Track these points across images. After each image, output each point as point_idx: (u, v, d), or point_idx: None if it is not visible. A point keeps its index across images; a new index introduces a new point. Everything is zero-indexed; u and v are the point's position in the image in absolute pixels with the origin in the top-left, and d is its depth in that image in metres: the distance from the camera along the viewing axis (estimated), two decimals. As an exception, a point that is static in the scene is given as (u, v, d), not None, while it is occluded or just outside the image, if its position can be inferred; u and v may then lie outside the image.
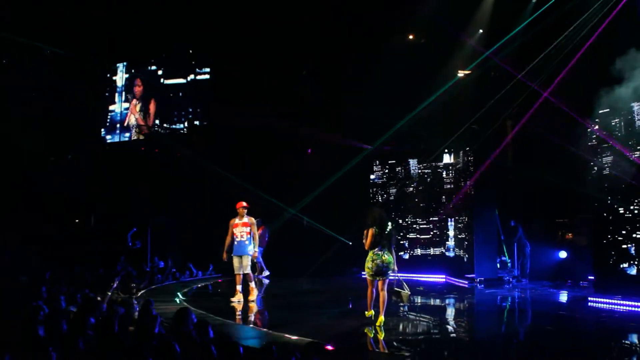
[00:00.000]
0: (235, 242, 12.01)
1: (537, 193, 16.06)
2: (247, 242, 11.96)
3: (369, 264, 9.29)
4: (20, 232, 16.26)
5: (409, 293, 9.90)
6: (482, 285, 15.12)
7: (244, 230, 12.01)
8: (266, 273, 16.21)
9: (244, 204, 12.17)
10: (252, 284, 12.39)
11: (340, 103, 17.13)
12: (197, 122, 19.58)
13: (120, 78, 20.74)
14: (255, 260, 16.91)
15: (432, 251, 18.00)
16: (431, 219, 18.05)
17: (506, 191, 16.82)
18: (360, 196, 18.53)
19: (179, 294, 13.82)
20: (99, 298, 9.55)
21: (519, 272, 15.92)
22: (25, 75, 17.85)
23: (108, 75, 20.84)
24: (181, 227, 18.51)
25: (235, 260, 12.02)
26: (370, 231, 9.24)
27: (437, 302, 13.75)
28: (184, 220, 18.38)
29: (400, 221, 18.36)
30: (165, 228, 18.01)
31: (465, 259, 16.57)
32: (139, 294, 13.38)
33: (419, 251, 18.14)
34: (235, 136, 18.56)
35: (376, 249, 9.23)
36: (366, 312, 9.57)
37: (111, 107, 20.80)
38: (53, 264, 14.30)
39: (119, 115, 20.67)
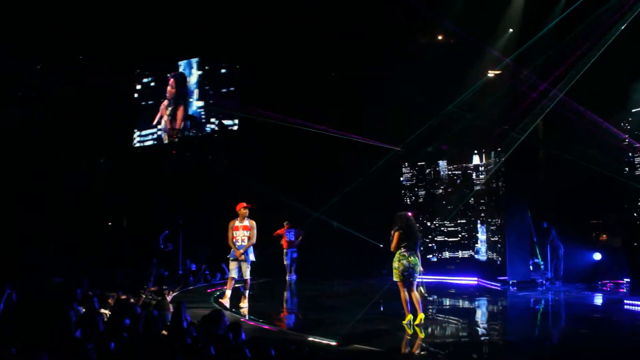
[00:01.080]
0: (236, 245, 11.63)
1: (570, 193, 15.82)
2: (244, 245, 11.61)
3: (395, 264, 9.52)
4: (53, 235, 16.44)
5: (425, 295, 10.01)
6: (515, 288, 14.92)
7: (245, 235, 11.56)
8: (293, 277, 16.42)
9: (245, 204, 11.71)
10: (247, 293, 11.94)
11: (368, 104, 17.48)
12: (227, 122, 19.72)
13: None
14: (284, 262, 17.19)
15: (460, 254, 17.94)
16: (459, 221, 17.98)
17: (538, 192, 16.52)
18: (390, 198, 18.50)
19: (211, 296, 13.92)
20: (132, 300, 9.65)
21: (553, 275, 15.68)
22: (59, 79, 18.11)
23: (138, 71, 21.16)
24: (213, 229, 17.94)
25: (232, 264, 11.66)
26: (397, 234, 9.52)
27: (470, 304, 13.67)
28: (216, 222, 17.96)
29: (429, 224, 18.36)
30: (197, 230, 17.96)
31: (498, 262, 16.41)
32: (172, 296, 13.48)
33: (447, 254, 18.09)
34: (265, 138, 18.66)
35: (402, 250, 9.47)
36: (404, 321, 9.58)
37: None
38: (87, 266, 14.48)
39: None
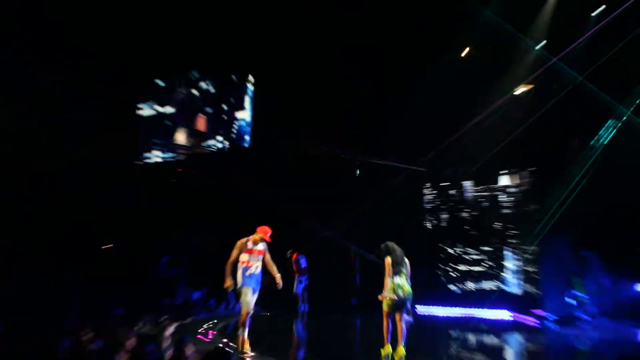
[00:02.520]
0: (248, 273, 10.00)
1: (615, 217, 15.02)
2: (259, 274, 10.20)
3: (389, 294, 9.46)
4: (42, 257, 15.89)
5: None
6: (554, 324, 14.23)
7: (259, 260, 10.17)
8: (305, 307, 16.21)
9: (270, 231, 10.27)
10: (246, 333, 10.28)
11: (389, 123, 17.33)
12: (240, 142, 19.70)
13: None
14: (295, 292, 16.60)
15: (485, 285, 17.35)
16: (484, 248, 17.41)
17: (578, 215, 15.55)
18: (414, 222, 18.17)
19: (215, 329, 13.42)
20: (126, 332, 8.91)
21: (597, 309, 14.84)
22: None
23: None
24: (219, 254, 17.55)
25: (248, 293, 9.98)
26: (387, 259, 9.59)
27: (502, 342, 12.85)
28: (223, 248, 17.49)
29: (451, 251, 17.88)
30: (201, 255, 17.46)
31: (534, 294, 15.75)
32: (172, 329, 12.69)
33: (471, 285, 17.47)
34: (280, 158, 18.53)
35: (397, 278, 9.50)
36: (382, 350, 9.50)
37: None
38: (81, 294, 14.04)
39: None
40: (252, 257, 10.07)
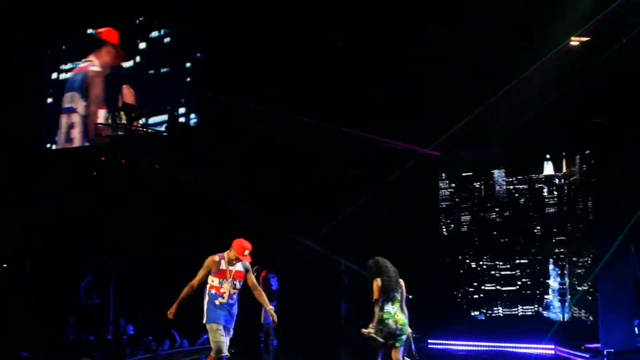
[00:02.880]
0: (218, 302, 9.60)
1: None
2: (235, 305, 9.81)
3: (377, 325, 9.57)
4: None
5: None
6: None
7: (235, 286, 9.77)
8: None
9: (249, 246, 9.83)
10: None
11: (391, 88, 17.26)
12: (181, 119, 19.66)
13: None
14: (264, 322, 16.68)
15: (520, 310, 17.59)
16: (519, 261, 17.62)
17: None
18: (424, 226, 18.25)
19: None
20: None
21: None
22: None
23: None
24: (160, 274, 17.79)
25: (220, 331, 9.64)
26: (376, 283, 9.72)
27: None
28: (164, 265, 17.80)
29: (473, 265, 18.19)
30: (136, 276, 17.74)
31: (589, 322, 15.88)
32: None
33: (500, 310, 17.76)
34: (238, 140, 18.53)
35: (388, 306, 9.63)
36: None
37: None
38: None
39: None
40: (224, 282, 9.62)
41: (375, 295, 9.61)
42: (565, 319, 16.73)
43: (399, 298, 9.69)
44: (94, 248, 17.71)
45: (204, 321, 9.48)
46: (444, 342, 17.22)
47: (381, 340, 9.47)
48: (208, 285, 9.48)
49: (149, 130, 19.71)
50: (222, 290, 9.46)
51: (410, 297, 16.82)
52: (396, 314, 9.52)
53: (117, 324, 17.03)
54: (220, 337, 9.43)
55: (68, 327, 16.40)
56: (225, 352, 9.49)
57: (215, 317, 9.43)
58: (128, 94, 20.35)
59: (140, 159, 18.92)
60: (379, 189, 16.83)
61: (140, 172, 18.80)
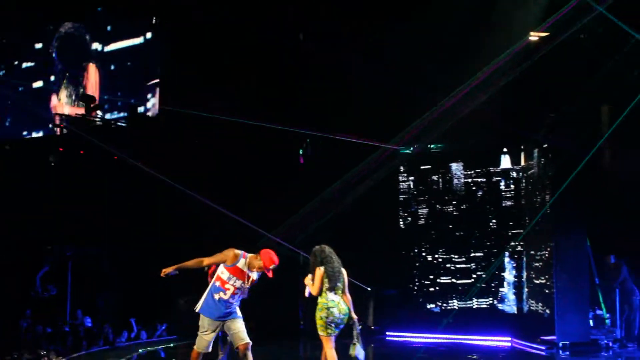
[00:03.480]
0: (217, 297, 9.37)
1: None
2: (235, 304, 9.65)
3: (321, 313, 9.54)
4: None
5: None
6: (567, 353, 14.57)
7: (245, 290, 9.57)
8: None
9: (277, 261, 9.62)
10: None
11: (352, 84, 17.32)
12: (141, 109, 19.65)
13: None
14: None
15: (475, 303, 17.79)
16: (474, 254, 17.80)
17: (603, 211, 16.11)
18: (385, 220, 18.48)
19: None
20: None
21: (624, 333, 15.28)
22: None
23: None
24: (119, 265, 18.03)
25: (210, 328, 9.53)
26: (319, 271, 9.64)
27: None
28: (123, 256, 17.97)
29: (429, 258, 18.28)
30: (94, 267, 17.65)
31: (545, 315, 16.05)
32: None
33: (455, 303, 17.91)
34: (198, 132, 18.58)
35: (331, 295, 9.61)
36: None
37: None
38: None
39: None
40: (233, 280, 9.36)
41: (318, 283, 9.60)
42: (524, 312, 16.91)
43: (341, 287, 9.67)
44: (52, 238, 17.59)
45: (197, 309, 9.37)
46: (401, 334, 17.32)
47: (330, 321, 9.49)
48: (215, 276, 9.33)
49: (112, 123, 19.68)
50: (227, 287, 9.26)
51: (369, 289, 17.17)
52: (339, 303, 9.54)
53: (74, 316, 16.86)
54: (207, 334, 9.36)
55: (23, 318, 16.36)
56: (205, 349, 9.38)
57: (208, 311, 9.32)
58: (92, 73, 20.36)
59: (99, 149, 18.44)
60: (340, 183, 16.82)
61: (99, 162, 18.56)
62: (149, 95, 19.90)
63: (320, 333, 9.52)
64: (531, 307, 16.67)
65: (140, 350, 15.82)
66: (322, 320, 9.46)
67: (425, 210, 18.55)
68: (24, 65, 21.69)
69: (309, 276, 9.69)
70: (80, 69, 20.40)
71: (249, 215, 16.64)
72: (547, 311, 15.88)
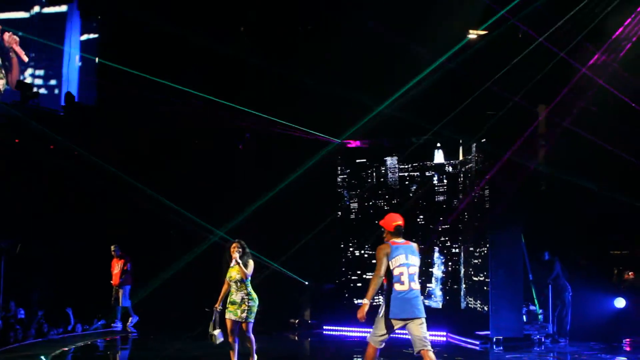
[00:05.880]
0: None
1: (582, 212, 15.96)
2: None
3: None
4: None
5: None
6: (501, 348, 14.89)
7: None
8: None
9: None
10: None
11: (292, 77, 17.33)
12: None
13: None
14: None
15: None
16: None
17: (537, 209, 16.51)
18: (323, 213, 18.37)
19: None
20: None
21: (556, 329, 15.76)
22: None
23: None
24: (52, 256, 17.84)
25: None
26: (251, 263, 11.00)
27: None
28: (57, 247, 17.76)
29: (357, 253, 18.39)
30: (29, 258, 17.25)
31: (484, 311, 16.25)
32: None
33: (381, 299, 17.63)
34: (135, 120, 18.56)
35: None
36: None
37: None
38: None
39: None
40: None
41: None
42: (461, 308, 17.16)
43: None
44: None
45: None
46: (338, 328, 17.37)
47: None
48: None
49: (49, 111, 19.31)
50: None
51: (307, 283, 17.40)
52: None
53: (7, 308, 16.62)
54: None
55: None
56: None
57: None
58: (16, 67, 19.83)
59: (34, 139, 18.39)
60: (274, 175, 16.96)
61: (34, 151, 18.21)
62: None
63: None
64: (469, 304, 16.87)
65: (79, 343, 15.67)
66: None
67: (355, 205, 18.62)
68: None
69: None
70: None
71: (185, 204, 16.91)
72: (485, 308, 16.06)
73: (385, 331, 8.97)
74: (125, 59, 18.13)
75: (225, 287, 10.95)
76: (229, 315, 10.87)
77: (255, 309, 10.91)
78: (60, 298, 17.50)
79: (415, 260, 9.02)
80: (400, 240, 9.12)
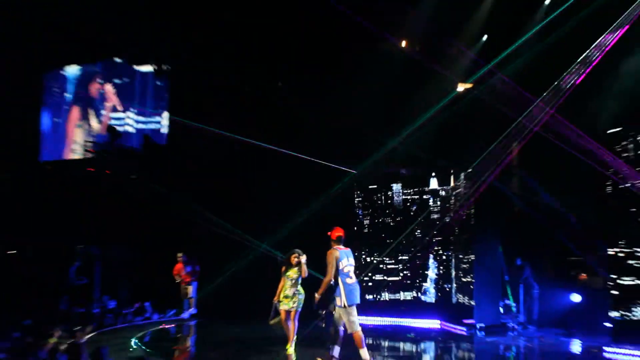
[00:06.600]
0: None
1: (547, 227, 16.17)
2: None
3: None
4: None
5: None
6: (483, 333, 15.20)
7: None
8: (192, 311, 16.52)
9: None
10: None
11: (320, 120, 17.59)
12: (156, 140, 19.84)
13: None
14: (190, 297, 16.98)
15: (402, 296, 18.03)
16: (401, 257, 18.03)
17: (512, 224, 16.91)
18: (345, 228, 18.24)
19: (133, 339, 14.03)
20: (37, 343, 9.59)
21: (526, 318, 16.04)
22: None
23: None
24: (137, 262, 18.43)
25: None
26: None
27: (429, 351, 14.02)
28: (141, 254, 18.38)
29: (368, 259, 18.34)
30: (117, 263, 18.02)
31: (471, 306, 16.22)
32: (86, 338, 13.38)
33: (386, 295, 18.09)
34: (198, 157, 18.85)
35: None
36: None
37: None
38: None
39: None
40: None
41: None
42: (452, 302, 16.96)
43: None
44: (83, 240, 17.69)
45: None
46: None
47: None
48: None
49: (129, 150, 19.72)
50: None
51: (332, 282, 17.54)
52: None
53: (101, 300, 17.28)
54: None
55: (62, 302, 16.53)
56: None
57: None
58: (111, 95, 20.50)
59: (120, 170, 19.15)
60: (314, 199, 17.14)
61: (119, 180, 18.86)
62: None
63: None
64: (459, 300, 16.74)
65: (154, 328, 16.25)
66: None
67: (367, 221, 18.49)
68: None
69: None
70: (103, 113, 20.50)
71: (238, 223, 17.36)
72: (471, 302, 15.95)
73: (355, 315, 10.26)
74: (191, 108, 18.83)
75: (281, 284, 11.75)
76: (283, 307, 11.73)
77: (302, 301, 11.81)
78: (140, 293, 17.93)
79: (352, 261, 10.46)
80: (342, 246, 10.44)
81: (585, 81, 14.58)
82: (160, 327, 16.76)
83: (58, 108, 21.40)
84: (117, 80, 20.65)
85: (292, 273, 11.75)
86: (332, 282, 10.33)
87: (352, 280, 10.43)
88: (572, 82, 14.68)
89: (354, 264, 10.57)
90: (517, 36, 16.01)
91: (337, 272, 10.31)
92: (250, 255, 17.59)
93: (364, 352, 10.27)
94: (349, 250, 10.68)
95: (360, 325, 10.37)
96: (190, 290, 16.91)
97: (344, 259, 10.45)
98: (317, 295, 10.48)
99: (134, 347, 13.15)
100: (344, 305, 10.28)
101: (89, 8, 17.08)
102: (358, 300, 10.46)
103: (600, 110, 14.03)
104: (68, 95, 21.27)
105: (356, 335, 10.31)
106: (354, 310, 10.34)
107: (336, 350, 10.50)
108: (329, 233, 10.71)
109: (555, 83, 15.02)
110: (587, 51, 14.56)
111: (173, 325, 17.12)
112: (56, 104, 21.45)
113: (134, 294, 18.03)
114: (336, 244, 10.53)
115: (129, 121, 20.29)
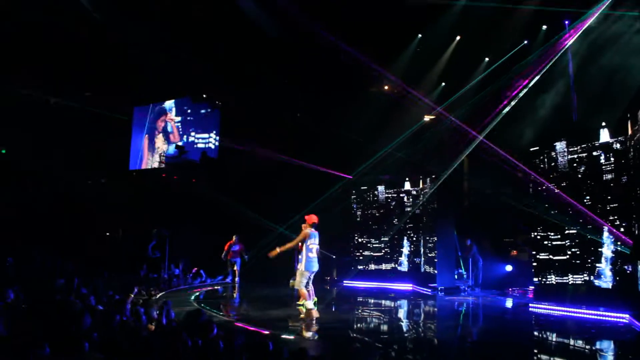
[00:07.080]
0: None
1: (488, 216, 16.00)
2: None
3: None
4: (60, 244, 16.30)
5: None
6: (443, 293, 15.01)
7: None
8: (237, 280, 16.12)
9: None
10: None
11: (326, 139, 17.41)
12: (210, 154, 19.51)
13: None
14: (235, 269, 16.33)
15: (383, 266, 17.55)
16: (383, 239, 17.62)
17: (463, 214, 16.83)
18: (343, 217, 18.36)
19: (192, 296, 14.07)
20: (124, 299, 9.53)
21: (473, 282, 15.82)
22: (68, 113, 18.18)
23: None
24: (196, 241, 17.97)
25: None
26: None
27: (405, 305, 13.82)
28: (198, 235, 17.88)
29: (359, 240, 18.06)
30: (181, 241, 17.70)
31: (434, 274, 15.88)
32: (158, 296, 13.40)
33: (372, 266, 17.71)
34: (238, 166, 18.59)
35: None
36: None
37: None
38: (88, 271, 14.40)
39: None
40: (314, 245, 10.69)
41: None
42: (421, 271, 16.58)
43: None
44: (157, 225, 17.58)
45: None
46: (351, 282, 17.36)
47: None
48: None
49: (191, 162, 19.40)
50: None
51: (334, 257, 17.60)
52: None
53: (170, 268, 17.26)
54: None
55: (142, 270, 16.75)
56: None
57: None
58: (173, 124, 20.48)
59: (184, 176, 19.17)
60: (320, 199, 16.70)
61: (183, 183, 18.98)
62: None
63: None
64: (426, 270, 16.45)
65: (207, 289, 16.18)
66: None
67: (359, 212, 18.30)
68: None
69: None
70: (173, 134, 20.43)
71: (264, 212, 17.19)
72: (434, 271, 15.62)
73: (307, 279, 10.12)
74: (233, 131, 18.78)
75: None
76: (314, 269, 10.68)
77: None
78: (198, 263, 17.82)
79: (317, 240, 10.21)
80: (313, 229, 10.23)
81: (511, 112, 14.66)
82: (211, 288, 16.65)
83: (142, 131, 21.35)
84: (181, 114, 20.62)
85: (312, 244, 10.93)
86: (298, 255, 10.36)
87: (314, 255, 10.28)
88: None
89: (317, 243, 10.38)
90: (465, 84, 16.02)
91: (305, 246, 10.15)
92: (272, 236, 16.95)
93: (308, 303, 10.21)
94: (317, 232, 10.45)
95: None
96: (235, 264, 16.42)
97: (313, 239, 10.31)
98: (277, 250, 10.19)
99: (193, 301, 13.09)
100: (303, 269, 10.22)
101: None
102: (314, 270, 10.33)
103: (523, 133, 13.98)
104: (149, 123, 21.29)
105: (300, 291, 10.27)
106: (308, 274, 10.26)
107: (310, 303, 10.28)
108: (306, 217, 10.50)
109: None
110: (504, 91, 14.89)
111: (220, 287, 16.97)
112: (141, 128, 21.43)
113: (192, 264, 17.86)
114: (311, 227, 10.35)
115: (192, 139, 20.18)
